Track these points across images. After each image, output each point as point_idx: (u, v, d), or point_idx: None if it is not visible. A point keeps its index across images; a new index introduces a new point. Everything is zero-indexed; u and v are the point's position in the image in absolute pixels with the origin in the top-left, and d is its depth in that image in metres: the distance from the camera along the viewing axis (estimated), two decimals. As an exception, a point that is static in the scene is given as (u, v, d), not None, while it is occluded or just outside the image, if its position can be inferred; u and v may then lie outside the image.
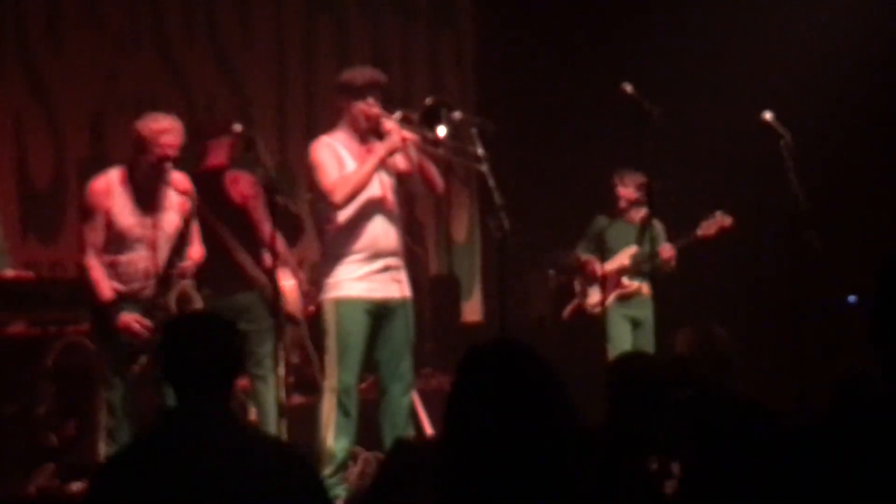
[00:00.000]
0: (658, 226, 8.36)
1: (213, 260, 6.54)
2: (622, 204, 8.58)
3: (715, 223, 8.46)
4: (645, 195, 7.77)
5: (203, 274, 6.43)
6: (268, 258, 6.53)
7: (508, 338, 2.97)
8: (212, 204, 6.82)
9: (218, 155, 7.08)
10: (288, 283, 7.27)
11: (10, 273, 6.78)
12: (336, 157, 6.29)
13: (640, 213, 8.29)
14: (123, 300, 6.11)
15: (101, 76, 9.34)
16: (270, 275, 6.37)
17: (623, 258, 8.56)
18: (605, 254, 8.56)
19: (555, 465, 2.67)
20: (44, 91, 9.14)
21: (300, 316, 7.47)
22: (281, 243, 7.18)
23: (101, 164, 8.70)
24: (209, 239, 6.60)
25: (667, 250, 8.41)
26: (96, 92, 9.31)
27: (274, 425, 6.39)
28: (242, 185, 6.98)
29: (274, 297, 6.25)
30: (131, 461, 3.35)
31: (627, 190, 8.50)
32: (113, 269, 6.14)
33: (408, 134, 6.27)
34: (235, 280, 6.93)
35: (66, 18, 9.24)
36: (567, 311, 8.92)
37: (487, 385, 2.73)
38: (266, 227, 6.47)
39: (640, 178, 8.16)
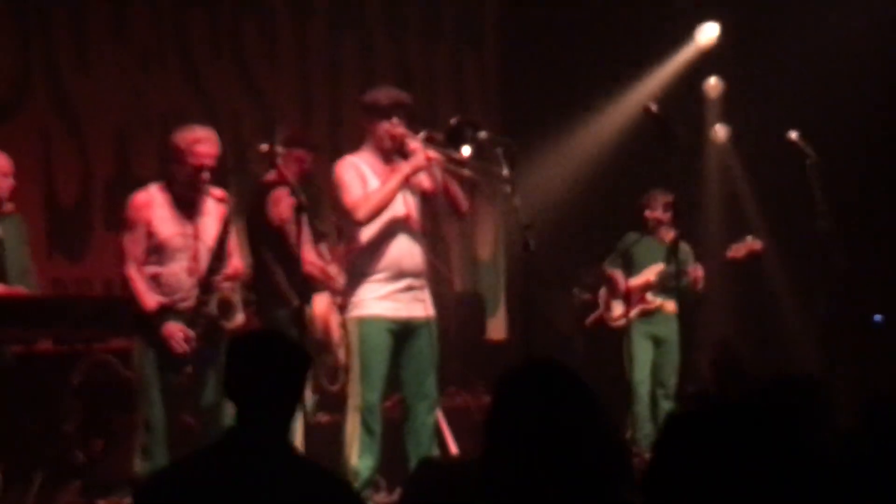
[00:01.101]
0: (686, 247, 8.37)
1: (254, 275, 6.56)
2: (651, 224, 8.60)
3: (745, 246, 8.48)
4: (672, 214, 7.78)
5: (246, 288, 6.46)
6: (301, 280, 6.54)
7: (543, 358, 2.95)
8: (252, 218, 6.86)
9: (288, 167, 6.92)
10: (320, 306, 7.25)
11: (34, 293, 6.81)
12: (360, 177, 6.30)
13: (669, 233, 8.29)
14: (166, 311, 6.13)
15: (127, 94, 9.38)
16: (302, 298, 6.36)
17: (649, 274, 8.55)
18: (631, 269, 8.58)
19: (597, 486, 2.66)
20: (70, 109, 9.18)
21: (333, 339, 7.44)
22: (322, 266, 7.21)
23: (127, 182, 8.78)
24: (252, 252, 6.63)
25: (697, 271, 8.43)
26: (122, 110, 9.35)
27: (301, 445, 6.40)
28: (282, 208, 7.00)
29: (299, 321, 6.19)
30: (177, 478, 3.32)
31: (655, 212, 8.51)
32: (156, 281, 6.17)
33: (432, 153, 6.28)
34: (272, 297, 6.95)
35: (93, 36, 9.28)
36: (590, 320, 8.93)
37: (526, 407, 2.71)
38: (302, 251, 6.46)
39: (666, 198, 8.16)
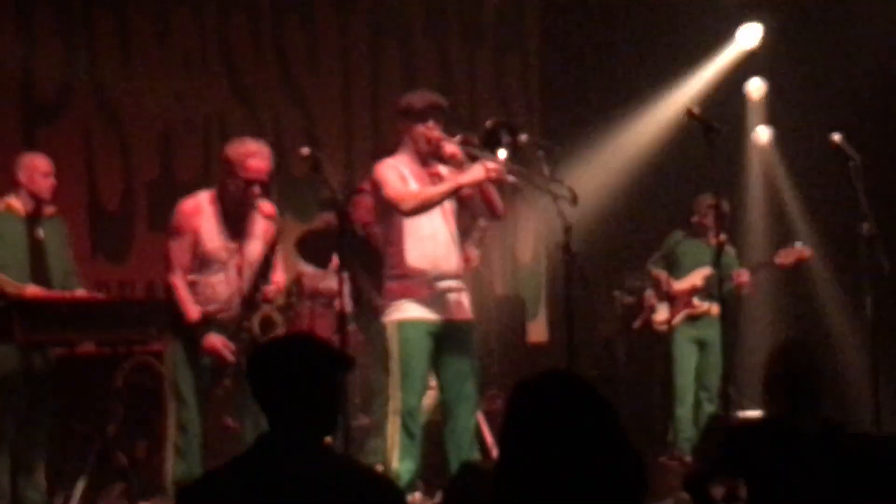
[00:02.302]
0: (731, 251, 8.33)
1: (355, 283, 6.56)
2: (697, 228, 8.56)
3: (794, 253, 8.43)
4: (714, 215, 7.71)
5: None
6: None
7: (559, 368, 2.93)
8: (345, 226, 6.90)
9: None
10: None
11: (80, 293, 6.86)
12: (400, 177, 6.30)
13: (716, 237, 8.24)
14: (208, 322, 6.15)
15: (170, 98, 9.43)
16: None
17: (696, 278, 8.52)
18: (676, 270, 8.54)
19: (610, 496, 2.64)
20: (114, 112, 9.25)
21: None
22: None
23: (169, 185, 8.84)
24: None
25: (742, 275, 8.40)
26: (165, 113, 9.40)
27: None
28: (362, 211, 7.01)
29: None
30: (217, 485, 3.29)
31: (701, 216, 8.46)
32: (193, 289, 6.18)
33: (492, 165, 6.22)
34: (367, 309, 7.10)
35: (137, 41, 9.34)
36: (637, 323, 8.90)
37: (539, 416, 2.70)
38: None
39: (710, 200, 8.12)
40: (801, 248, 8.45)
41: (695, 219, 8.58)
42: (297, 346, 3.41)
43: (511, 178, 6.35)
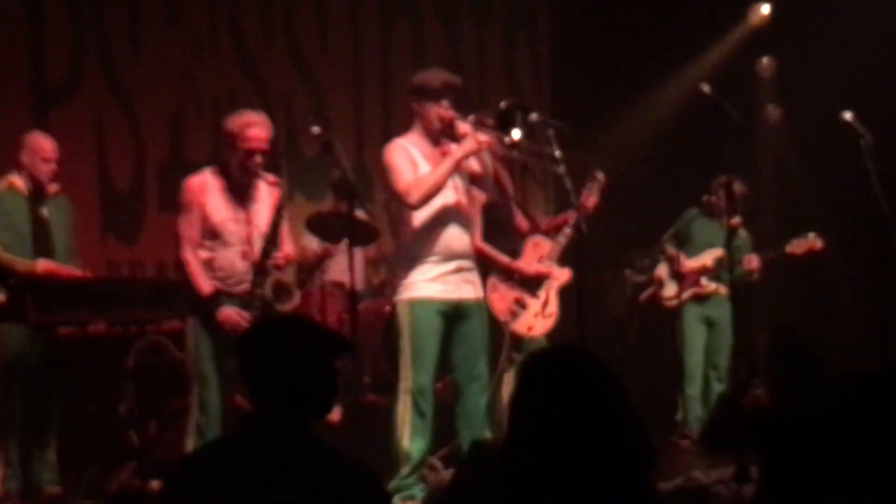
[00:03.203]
0: (744, 234, 8.32)
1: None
2: (711, 208, 8.55)
3: (806, 243, 8.42)
4: (726, 196, 7.71)
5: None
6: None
7: (569, 344, 2.94)
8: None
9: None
10: (492, 289, 7.25)
11: (87, 274, 6.89)
12: (409, 160, 6.29)
13: (731, 218, 8.22)
14: (221, 295, 6.17)
15: (180, 78, 9.44)
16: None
17: (706, 259, 8.51)
18: (688, 248, 8.53)
19: (617, 471, 2.65)
20: (124, 93, 9.26)
21: (498, 320, 7.35)
22: (482, 248, 7.26)
23: (180, 165, 8.85)
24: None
25: (753, 261, 8.40)
26: (175, 93, 9.41)
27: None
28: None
29: None
30: (201, 466, 3.27)
31: (719, 199, 8.42)
32: (209, 266, 6.21)
33: (484, 137, 6.27)
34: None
35: (146, 21, 9.35)
36: (644, 295, 8.91)
37: (547, 391, 2.71)
38: (516, 221, 7.00)
39: (723, 180, 8.10)
40: (813, 240, 8.43)
41: (705, 198, 8.56)
42: (287, 329, 3.33)
43: (517, 155, 6.36)
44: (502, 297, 7.27)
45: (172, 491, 3.29)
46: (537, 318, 7.31)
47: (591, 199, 7.20)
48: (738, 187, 7.69)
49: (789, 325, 4.80)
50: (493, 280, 7.23)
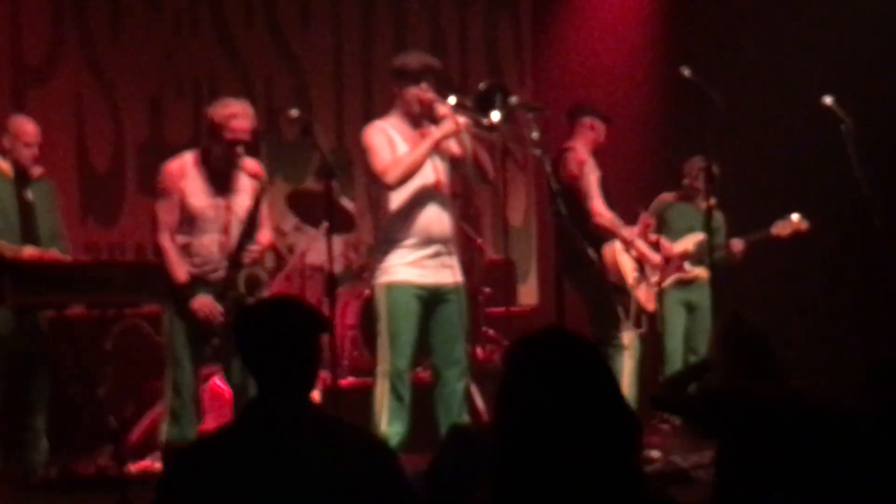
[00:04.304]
0: (720, 216, 8.33)
1: (560, 240, 6.67)
2: (687, 191, 8.56)
3: (791, 225, 8.44)
4: (705, 178, 7.71)
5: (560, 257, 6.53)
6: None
7: (557, 327, 2.94)
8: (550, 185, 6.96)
9: (576, 136, 7.65)
10: (610, 254, 7.49)
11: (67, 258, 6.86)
12: (389, 141, 6.28)
13: (706, 201, 8.23)
14: (197, 282, 6.15)
15: (160, 59, 9.40)
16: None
17: (688, 243, 8.51)
18: (665, 232, 8.53)
19: (605, 456, 2.64)
20: (103, 74, 9.22)
21: (629, 283, 7.59)
22: (611, 217, 7.47)
23: (159, 147, 8.82)
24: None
25: (737, 245, 8.42)
26: (155, 74, 9.37)
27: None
28: (572, 165, 7.40)
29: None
30: (211, 449, 3.30)
31: (695, 181, 8.43)
32: (186, 251, 6.19)
33: (463, 119, 6.26)
34: (574, 257, 7.23)
35: (126, 2, 9.30)
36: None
37: (537, 375, 2.70)
38: (589, 203, 7.29)
39: (700, 163, 8.09)
40: (799, 221, 8.45)
41: (686, 182, 8.56)
42: (284, 309, 3.47)
43: (497, 138, 6.37)
44: (629, 262, 7.58)
45: (172, 479, 3.29)
46: (650, 295, 7.75)
47: None
48: (714, 169, 7.71)
49: (739, 315, 4.78)
50: (618, 245, 7.53)
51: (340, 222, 7.54)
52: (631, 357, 7.44)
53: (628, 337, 7.43)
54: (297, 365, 3.32)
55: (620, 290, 7.54)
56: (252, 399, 3.38)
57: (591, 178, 7.46)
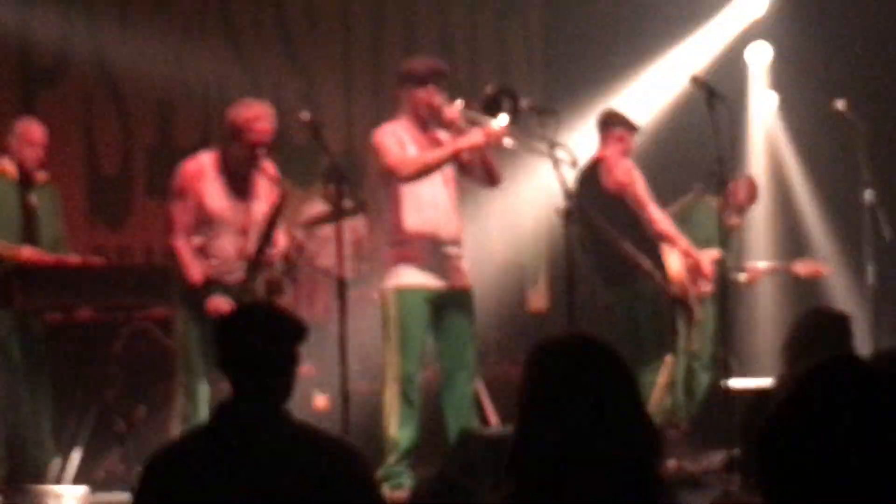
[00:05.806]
0: (738, 237, 8.27)
1: (602, 251, 6.59)
2: (729, 201, 8.46)
3: (812, 267, 8.39)
4: (713, 180, 7.67)
5: (600, 268, 6.47)
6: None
7: (579, 331, 2.90)
8: (588, 195, 6.91)
9: (605, 146, 7.41)
10: (674, 265, 7.29)
11: (75, 259, 6.85)
12: (399, 142, 6.28)
13: (732, 218, 8.12)
14: (212, 284, 6.12)
15: (169, 63, 9.38)
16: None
17: (705, 260, 8.42)
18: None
19: (629, 462, 2.61)
20: (112, 77, 9.19)
21: (690, 296, 7.42)
22: (666, 223, 7.31)
23: (168, 150, 8.80)
24: (594, 230, 6.68)
25: (755, 272, 8.37)
26: (164, 78, 9.35)
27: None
28: (617, 173, 7.17)
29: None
30: (178, 455, 3.31)
31: (738, 193, 8.32)
32: (202, 253, 6.16)
33: (492, 131, 6.19)
34: (626, 269, 7.07)
35: (135, 4, 9.29)
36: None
37: (560, 380, 2.66)
38: (647, 211, 7.03)
39: (746, 176, 7.98)
40: (821, 265, 8.40)
41: (729, 187, 8.45)
42: (262, 315, 3.48)
43: (509, 143, 6.32)
44: (682, 268, 7.39)
45: (144, 485, 3.28)
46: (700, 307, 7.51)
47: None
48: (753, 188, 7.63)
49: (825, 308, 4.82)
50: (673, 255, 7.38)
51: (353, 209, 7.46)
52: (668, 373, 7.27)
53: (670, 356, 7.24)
54: (271, 371, 3.31)
55: (681, 303, 7.37)
56: (222, 402, 3.38)
57: (642, 185, 7.26)
